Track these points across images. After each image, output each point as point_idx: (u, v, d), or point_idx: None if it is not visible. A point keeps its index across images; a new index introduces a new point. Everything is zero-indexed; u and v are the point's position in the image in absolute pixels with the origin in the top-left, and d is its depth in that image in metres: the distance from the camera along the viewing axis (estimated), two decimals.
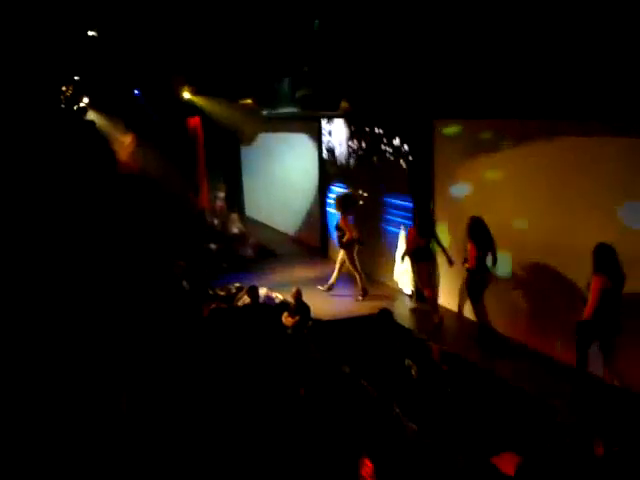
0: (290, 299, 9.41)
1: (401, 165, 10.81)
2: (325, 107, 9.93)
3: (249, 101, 12.58)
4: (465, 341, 8.75)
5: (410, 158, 10.49)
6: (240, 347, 8.01)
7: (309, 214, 14.69)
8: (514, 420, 6.21)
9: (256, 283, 10.08)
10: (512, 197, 8.57)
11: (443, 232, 9.88)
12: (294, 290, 9.28)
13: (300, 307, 9.11)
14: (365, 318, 9.19)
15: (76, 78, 14.16)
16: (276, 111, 12.66)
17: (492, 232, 8.41)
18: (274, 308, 9.69)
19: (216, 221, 15.26)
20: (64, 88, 13.97)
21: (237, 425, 6.26)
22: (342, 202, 10.87)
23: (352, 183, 12.78)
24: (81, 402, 6.71)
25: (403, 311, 10.30)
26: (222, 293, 10.46)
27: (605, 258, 6.66)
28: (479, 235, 8.37)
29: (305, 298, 9.29)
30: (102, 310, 9.42)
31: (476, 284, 8.55)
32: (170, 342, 8.19)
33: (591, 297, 6.64)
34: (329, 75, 9.33)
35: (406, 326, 9.16)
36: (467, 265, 8.50)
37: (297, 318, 8.87)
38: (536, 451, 5.41)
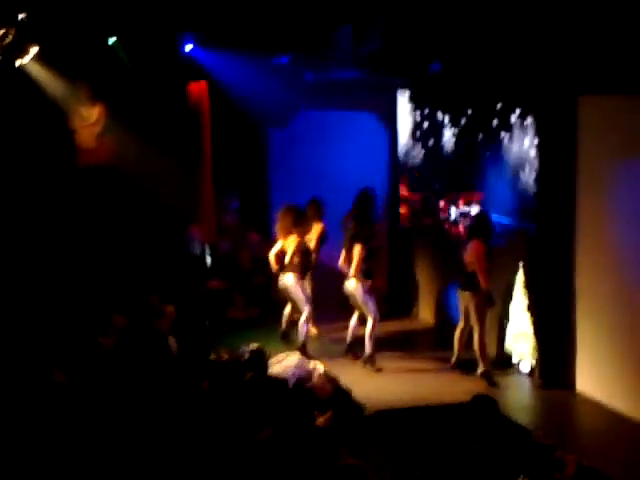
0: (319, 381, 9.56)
1: (523, 168, 10.87)
2: (406, 71, 10.03)
3: (285, 60, 12.77)
4: (622, 449, 8.74)
5: (539, 155, 10.52)
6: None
7: None
8: None
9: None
10: None
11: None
12: (316, 371, 9.50)
13: (337, 396, 9.22)
14: (451, 409, 9.14)
15: (20, 16, 14.53)
16: (327, 76, 12.79)
17: None
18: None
19: (223, 245, 15.43)
20: (1, 31, 14.36)
21: None
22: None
23: (437, 191, 12.87)
24: None
25: (517, 399, 10.33)
26: (226, 356, 10.50)
27: None
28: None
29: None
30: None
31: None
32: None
33: None
34: (414, 22, 9.45)
35: (521, 423, 9.10)
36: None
37: (329, 414, 8.93)
38: None
